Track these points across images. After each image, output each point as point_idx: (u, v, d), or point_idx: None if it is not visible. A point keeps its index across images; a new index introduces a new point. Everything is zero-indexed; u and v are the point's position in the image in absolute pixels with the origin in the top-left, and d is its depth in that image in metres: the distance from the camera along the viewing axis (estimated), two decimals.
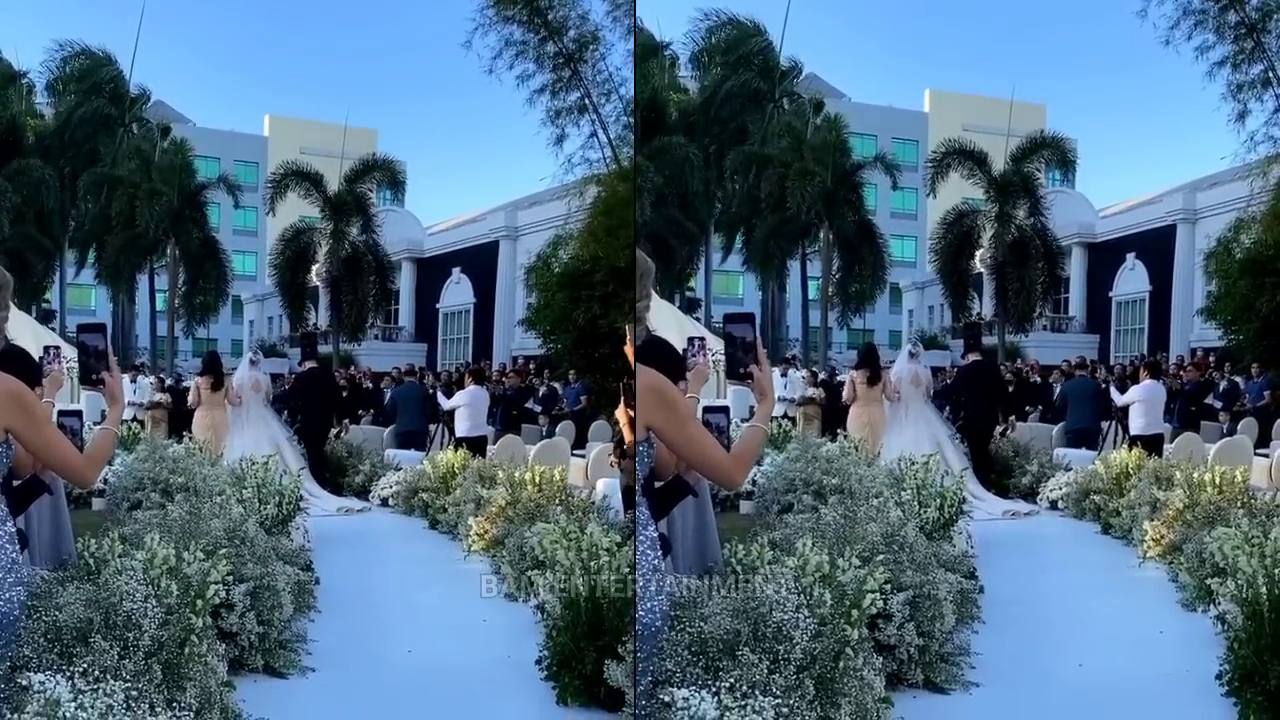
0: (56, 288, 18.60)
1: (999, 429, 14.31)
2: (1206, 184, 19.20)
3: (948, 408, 14.08)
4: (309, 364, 15.52)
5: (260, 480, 9.66)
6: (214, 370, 13.90)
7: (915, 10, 21.58)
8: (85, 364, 4.62)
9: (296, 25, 19.75)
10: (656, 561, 4.23)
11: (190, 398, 13.88)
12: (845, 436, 11.08)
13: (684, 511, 6.86)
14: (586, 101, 18.30)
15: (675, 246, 18.74)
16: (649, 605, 4.15)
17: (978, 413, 13.80)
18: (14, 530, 4.27)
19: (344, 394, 17.09)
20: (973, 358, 14.22)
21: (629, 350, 4.37)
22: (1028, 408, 17.31)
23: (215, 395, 13.55)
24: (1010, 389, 16.90)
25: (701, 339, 5.02)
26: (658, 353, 4.96)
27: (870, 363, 13.02)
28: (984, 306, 20.08)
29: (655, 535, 4.28)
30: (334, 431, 14.99)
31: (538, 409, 16.63)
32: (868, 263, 19.58)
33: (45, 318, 17.58)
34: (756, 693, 4.52)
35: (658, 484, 4.63)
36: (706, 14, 18.82)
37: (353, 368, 18.98)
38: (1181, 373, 16.65)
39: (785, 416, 13.81)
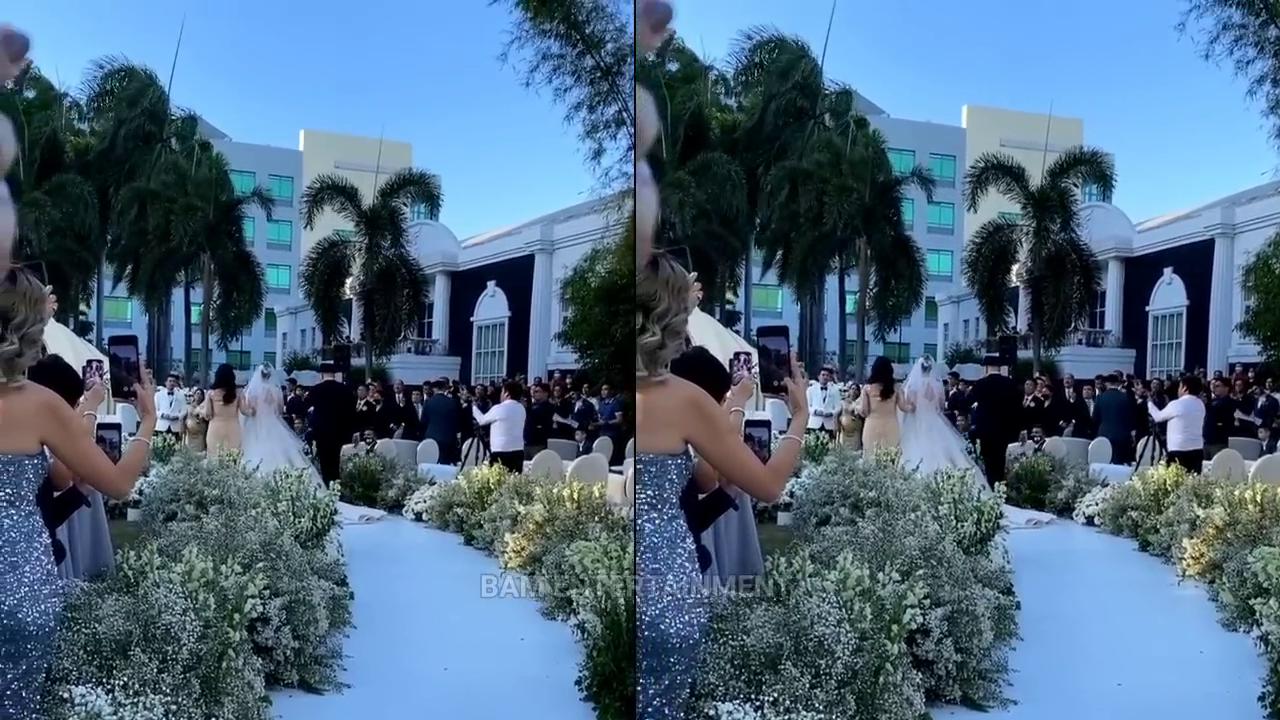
0: (94, 300, 18.72)
1: (1031, 443, 14.80)
2: (1245, 199, 19.01)
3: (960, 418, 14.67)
4: (325, 377, 15.83)
5: (295, 494, 9.66)
6: (226, 383, 14.11)
7: (954, 27, 21.48)
8: (117, 376, 4.65)
9: (332, 40, 19.81)
10: (695, 575, 4.19)
11: (204, 410, 14.03)
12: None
13: (728, 524, 6.88)
14: (625, 115, 18.31)
15: (716, 260, 18.76)
16: (686, 619, 4.12)
17: (990, 425, 14.34)
18: (49, 542, 4.27)
19: (374, 408, 17.16)
20: (989, 371, 14.96)
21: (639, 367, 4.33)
22: (1061, 422, 17.20)
23: (228, 407, 13.71)
24: (1045, 404, 16.89)
25: (747, 354, 5.00)
26: (700, 366, 4.93)
27: (883, 376, 13.30)
28: (1019, 321, 19.96)
29: (693, 548, 4.26)
30: (358, 446, 15.06)
31: (573, 424, 16.62)
32: (904, 277, 19.48)
33: (82, 330, 17.70)
34: (799, 707, 4.51)
35: (700, 496, 4.60)
36: (750, 33, 18.82)
37: (370, 383, 18.92)
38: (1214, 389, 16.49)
39: (823, 429, 13.87)
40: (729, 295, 19.27)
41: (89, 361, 5.54)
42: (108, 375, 5.99)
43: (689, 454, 4.13)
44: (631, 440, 15.19)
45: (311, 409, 15.66)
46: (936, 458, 11.99)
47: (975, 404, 14.86)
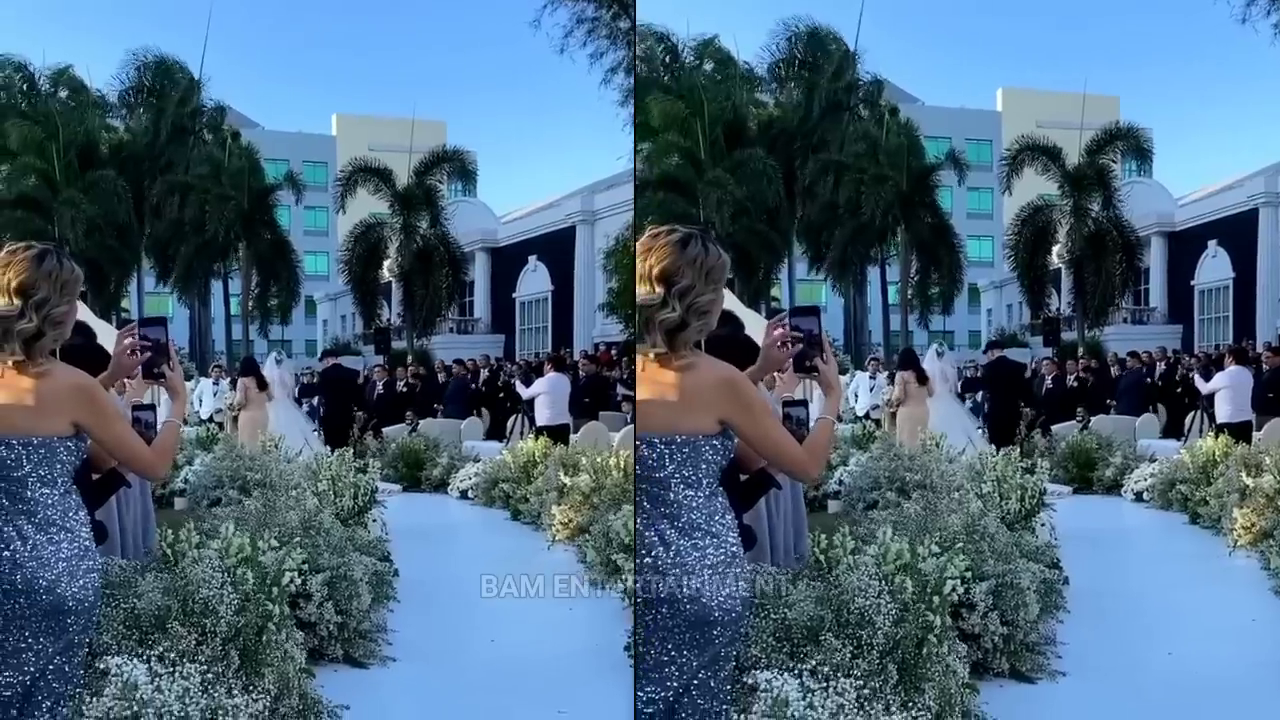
0: (134, 296, 18.84)
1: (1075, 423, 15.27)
2: None
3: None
4: (329, 361, 16.03)
5: (335, 473, 9.68)
6: (254, 370, 14.27)
7: (985, 10, 21.35)
8: (146, 358, 4.60)
9: (359, 21, 19.79)
10: (737, 549, 4.13)
11: (238, 398, 14.17)
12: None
13: (781, 507, 6.88)
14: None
15: (758, 256, 18.73)
16: (728, 591, 4.06)
17: (1000, 406, 14.97)
18: (88, 519, 4.26)
19: (414, 389, 17.23)
20: (995, 354, 15.69)
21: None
22: (1109, 401, 17.10)
23: (260, 395, 13.83)
24: (1088, 383, 16.96)
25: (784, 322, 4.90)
26: (735, 346, 4.87)
27: (914, 364, 13.63)
28: (1062, 302, 19.83)
29: (734, 522, 4.19)
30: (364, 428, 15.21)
31: (622, 392, 16.57)
32: (945, 264, 19.43)
33: (123, 326, 17.82)
34: (839, 675, 4.46)
35: (742, 477, 4.54)
36: (784, 24, 18.75)
37: (410, 363, 18.91)
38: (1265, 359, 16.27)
39: (868, 417, 14.00)
40: (773, 292, 19.23)
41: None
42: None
43: (726, 434, 4.06)
44: (634, 419, 15.21)
45: (318, 395, 15.83)
46: (956, 439, 12.08)
47: (984, 388, 15.71)
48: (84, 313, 8.35)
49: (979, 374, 16.50)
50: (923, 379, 13.22)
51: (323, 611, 6.74)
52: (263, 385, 13.86)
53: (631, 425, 14.24)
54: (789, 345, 4.21)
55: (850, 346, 19.10)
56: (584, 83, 17.60)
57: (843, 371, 16.46)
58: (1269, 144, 19.70)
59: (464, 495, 13.67)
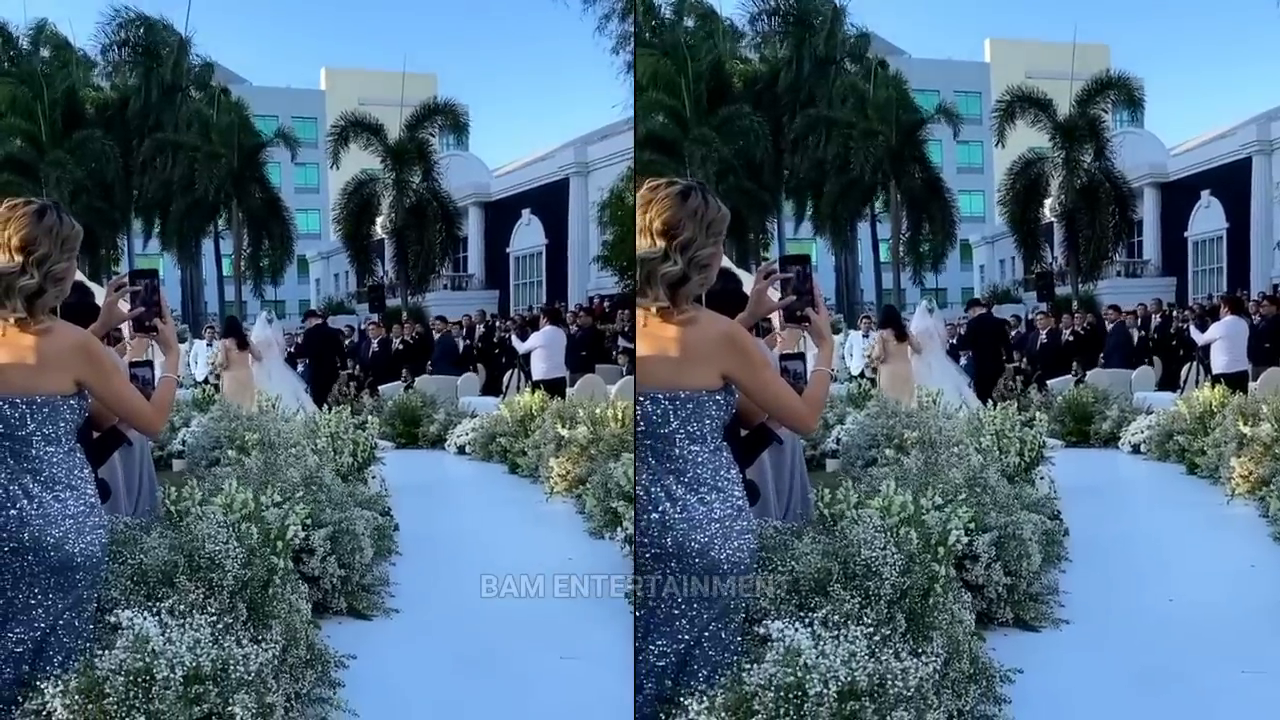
0: (125, 258, 18.74)
1: (1071, 376, 15.81)
2: None
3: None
4: (313, 320, 16.20)
5: (334, 431, 9.69)
6: (236, 331, 14.25)
7: None
8: (137, 312, 4.57)
9: None
10: (742, 503, 4.13)
11: (219, 358, 14.15)
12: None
13: (791, 463, 6.90)
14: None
15: (747, 216, 18.64)
16: (735, 544, 4.07)
17: (983, 362, 15.31)
18: (92, 476, 4.27)
19: (410, 345, 17.21)
20: (976, 311, 16.00)
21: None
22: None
23: (241, 355, 13.81)
24: (1085, 335, 17.02)
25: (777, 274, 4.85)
26: (734, 300, 4.84)
27: (894, 322, 13.72)
28: (1055, 256, 19.81)
29: (739, 477, 4.19)
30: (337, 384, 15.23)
31: (623, 345, 16.53)
32: (937, 220, 19.38)
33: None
34: (850, 623, 4.50)
35: (743, 432, 4.54)
36: None
37: (405, 320, 18.80)
38: (1260, 309, 16.29)
39: (863, 376, 14.07)
40: (764, 253, 19.15)
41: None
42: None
43: (729, 389, 4.06)
44: (630, 372, 15.24)
45: (307, 355, 15.83)
46: (947, 394, 12.17)
47: (969, 345, 15.81)
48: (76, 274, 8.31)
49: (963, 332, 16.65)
50: (901, 336, 13.30)
51: (326, 566, 6.78)
52: (243, 345, 13.81)
53: (629, 377, 14.27)
54: (778, 293, 4.19)
55: (842, 305, 19.07)
56: (577, 30, 17.29)
57: (836, 331, 16.55)
58: (1262, 91, 19.65)
59: (461, 451, 13.66)
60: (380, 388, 15.91)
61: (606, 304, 18.32)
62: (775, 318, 5.40)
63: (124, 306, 4.66)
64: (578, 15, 17.30)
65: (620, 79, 17.68)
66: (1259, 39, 18.80)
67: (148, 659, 4.03)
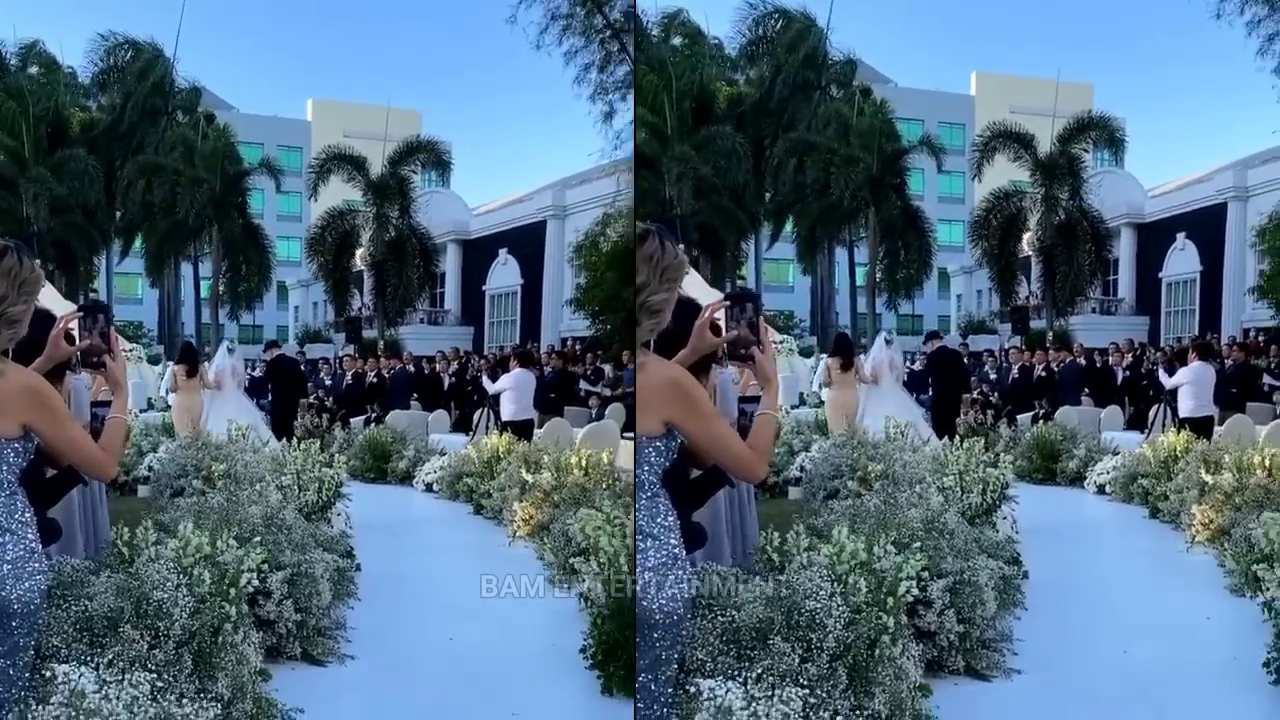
0: (103, 277, 18.71)
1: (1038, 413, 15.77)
2: (1259, 160, 18.81)
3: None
4: (275, 351, 16.34)
5: (300, 467, 9.66)
6: (189, 358, 14.15)
7: None
8: (85, 347, 4.52)
9: (338, 7, 19.74)
10: (678, 550, 4.13)
11: (167, 383, 14.11)
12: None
13: (732, 503, 6.86)
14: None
15: (725, 235, 18.68)
16: (669, 594, 4.06)
17: (941, 394, 15.31)
18: (34, 519, 4.21)
19: (384, 380, 17.24)
20: (934, 344, 16.01)
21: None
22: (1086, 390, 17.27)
23: (190, 381, 13.71)
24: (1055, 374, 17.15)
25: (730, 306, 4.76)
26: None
27: (842, 351, 13.65)
28: (1031, 290, 19.86)
29: (675, 523, 4.17)
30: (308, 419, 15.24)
31: (604, 391, 16.60)
32: (914, 248, 19.42)
33: (92, 306, 17.65)
34: (786, 682, 4.45)
35: (694, 474, 4.54)
36: (753, 3, 18.68)
37: (379, 354, 18.87)
38: (1230, 354, 16.40)
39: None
40: (740, 272, 19.20)
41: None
42: (126, 352, 5.81)
43: (671, 435, 4.05)
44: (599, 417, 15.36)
45: (267, 386, 15.87)
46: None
47: (929, 377, 15.89)
48: (50, 294, 8.25)
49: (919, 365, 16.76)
50: (847, 365, 13.29)
51: (282, 609, 6.71)
52: (192, 373, 13.75)
53: (595, 423, 14.31)
54: (720, 331, 4.14)
55: (817, 328, 19.11)
56: (559, 79, 17.67)
57: (808, 354, 16.61)
58: (1239, 138, 19.84)
59: (429, 488, 13.69)
60: (351, 420, 15.92)
61: (578, 346, 18.38)
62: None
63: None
64: (560, 66, 17.65)
65: (598, 127, 17.95)
66: (1239, 89, 18.96)
67: (83, 716, 3.98)
